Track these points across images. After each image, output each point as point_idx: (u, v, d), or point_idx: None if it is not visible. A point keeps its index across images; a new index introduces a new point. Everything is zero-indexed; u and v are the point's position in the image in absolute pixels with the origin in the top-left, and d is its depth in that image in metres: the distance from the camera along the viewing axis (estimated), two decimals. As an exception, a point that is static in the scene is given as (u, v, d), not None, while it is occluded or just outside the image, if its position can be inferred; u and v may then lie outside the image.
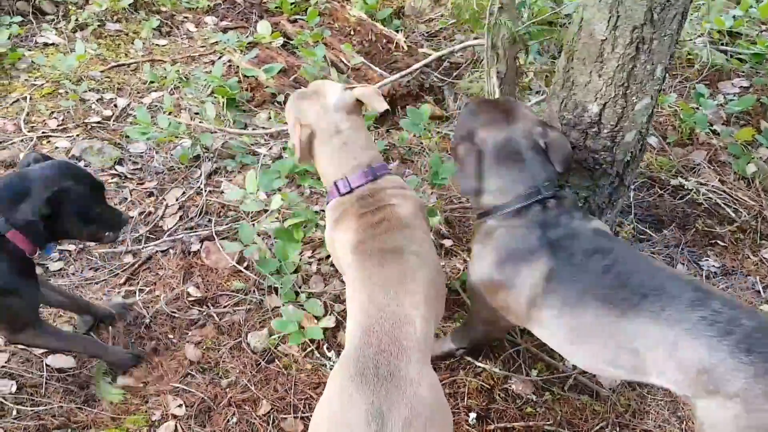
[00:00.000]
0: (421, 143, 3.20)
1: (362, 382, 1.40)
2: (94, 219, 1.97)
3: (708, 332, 1.45)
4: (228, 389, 2.15)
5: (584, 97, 1.97)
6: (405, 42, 3.79)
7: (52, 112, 3.30)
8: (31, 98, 3.35)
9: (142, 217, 2.79)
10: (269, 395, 2.12)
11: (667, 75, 1.93)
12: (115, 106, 3.38)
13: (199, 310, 2.41)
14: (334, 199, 1.91)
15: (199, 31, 4.08)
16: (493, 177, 1.82)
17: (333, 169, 1.92)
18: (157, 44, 3.90)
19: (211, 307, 2.43)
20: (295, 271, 2.48)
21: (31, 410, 2.05)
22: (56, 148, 3.06)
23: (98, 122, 3.25)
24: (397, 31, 3.92)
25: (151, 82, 3.54)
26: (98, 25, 3.95)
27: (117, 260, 2.60)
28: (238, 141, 3.13)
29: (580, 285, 1.65)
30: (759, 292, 2.58)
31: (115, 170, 2.99)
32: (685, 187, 2.99)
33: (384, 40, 3.80)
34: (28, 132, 3.13)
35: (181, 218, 2.79)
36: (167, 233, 2.71)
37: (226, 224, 2.74)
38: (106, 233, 2.07)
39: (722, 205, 2.93)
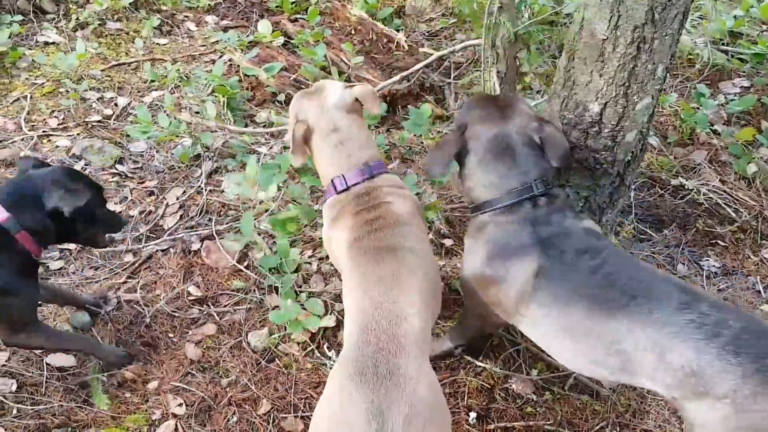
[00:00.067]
0: (422, 143, 3.20)
1: (362, 380, 1.40)
2: (96, 221, 2.01)
3: (696, 335, 1.46)
4: (228, 388, 2.15)
5: (585, 97, 1.97)
6: (406, 41, 3.79)
7: (53, 111, 3.30)
8: (31, 97, 3.35)
9: (143, 216, 2.79)
10: (269, 394, 2.12)
11: (668, 75, 1.93)
12: (116, 104, 3.38)
13: (200, 309, 2.41)
14: (331, 197, 1.92)
15: (200, 30, 4.08)
16: (486, 171, 1.82)
17: (330, 167, 1.92)
18: (157, 43, 3.90)
19: (212, 307, 2.43)
20: (296, 270, 2.48)
21: (32, 409, 2.05)
22: (57, 146, 3.06)
23: (99, 121, 3.25)
24: (397, 31, 3.91)
25: (152, 81, 3.54)
26: (99, 24, 3.95)
27: (117, 259, 2.60)
28: (239, 140, 3.13)
29: (570, 284, 1.65)
30: (759, 292, 2.58)
31: (116, 169, 2.99)
32: (686, 187, 2.99)
33: (385, 40, 3.80)
34: (29, 131, 3.13)
35: (181, 217, 2.79)
36: (168, 232, 2.71)
37: (227, 223, 2.74)
38: (106, 235, 2.12)
39: (723, 205, 2.93)
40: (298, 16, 4.04)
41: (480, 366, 2.21)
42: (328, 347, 2.25)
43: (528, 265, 1.69)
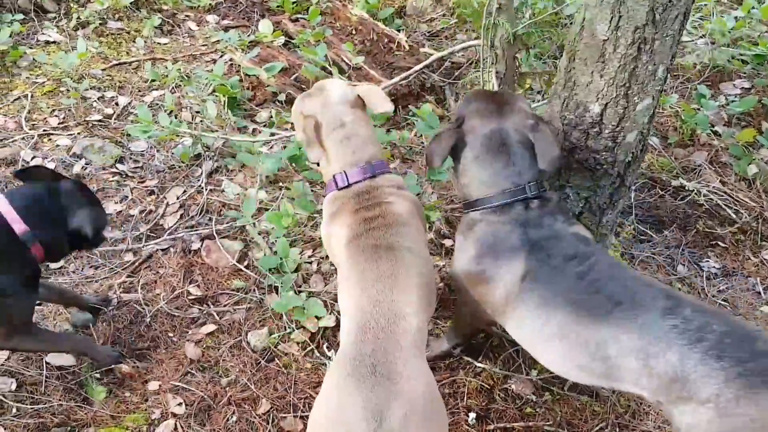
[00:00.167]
0: (422, 143, 3.20)
1: (359, 379, 1.40)
2: (100, 240, 2.08)
3: (679, 341, 1.47)
4: (228, 388, 2.15)
5: (586, 97, 1.96)
6: (406, 41, 3.79)
7: (53, 110, 3.30)
8: (32, 96, 3.35)
9: (143, 215, 2.79)
10: (269, 394, 2.12)
11: (668, 75, 1.93)
12: (117, 104, 3.38)
13: (200, 309, 2.41)
14: (331, 192, 1.92)
15: (201, 30, 4.08)
16: (481, 168, 1.81)
17: (334, 163, 1.92)
18: (158, 43, 3.90)
19: (212, 306, 2.43)
20: (296, 270, 2.48)
21: (31, 408, 2.05)
22: (57, 145, 3.06)
23: (99, 120, 3.25)
24: (398, 31, 3.92)
25: (153, 80, 3.54)
26: (100, 23, 3.95)
27: (117, 258, 2.60)
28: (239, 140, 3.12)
29: (556, 287, 1.65)
30: (759, 293, 2.58)
31: (116, 168, 2.99)
32: (686, 188, 2.99)
33: (385, 40, 3.80)
34: (30, 130, 3.13)
35: (181, 217, 2.79)
36: (168, 232, 2.71)
37: (227, 223, 2.74)
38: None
39: (723, 206, 2.92)
40: (299, 15, 4.04)
41: (479, 366, 2.21)
42: (327, 347, 2.25)
43: (516, 266, 1.70)
